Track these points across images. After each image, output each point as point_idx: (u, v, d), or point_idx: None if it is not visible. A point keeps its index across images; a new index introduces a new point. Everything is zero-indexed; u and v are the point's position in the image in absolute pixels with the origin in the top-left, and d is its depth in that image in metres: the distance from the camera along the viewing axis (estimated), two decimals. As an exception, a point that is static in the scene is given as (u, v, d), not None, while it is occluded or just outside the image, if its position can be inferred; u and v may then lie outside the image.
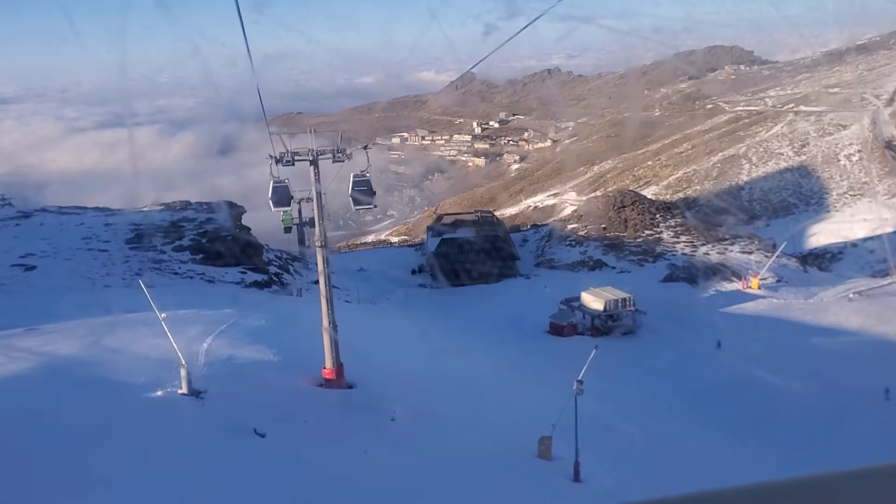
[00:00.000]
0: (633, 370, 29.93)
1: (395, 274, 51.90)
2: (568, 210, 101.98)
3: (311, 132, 18.50)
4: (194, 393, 16.38)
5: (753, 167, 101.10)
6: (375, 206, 20.09)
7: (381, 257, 60.94)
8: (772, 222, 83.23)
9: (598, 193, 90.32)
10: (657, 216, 55.65)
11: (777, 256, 49.09)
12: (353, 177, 18.88)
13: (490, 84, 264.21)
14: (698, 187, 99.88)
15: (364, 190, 18.69)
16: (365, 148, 19.30)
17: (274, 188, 18.50)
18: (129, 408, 15.62)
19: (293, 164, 18.84)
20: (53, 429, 13.63)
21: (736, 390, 26.47)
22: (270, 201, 18.46)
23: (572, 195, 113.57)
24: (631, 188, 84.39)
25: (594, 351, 18.66)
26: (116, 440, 13.61)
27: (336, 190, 22.16)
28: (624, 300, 37.10)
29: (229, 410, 16.31)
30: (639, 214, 55.16)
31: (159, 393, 16.37)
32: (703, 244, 51.24)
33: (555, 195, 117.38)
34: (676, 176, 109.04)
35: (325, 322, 18.52)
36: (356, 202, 18.82)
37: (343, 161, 19.31)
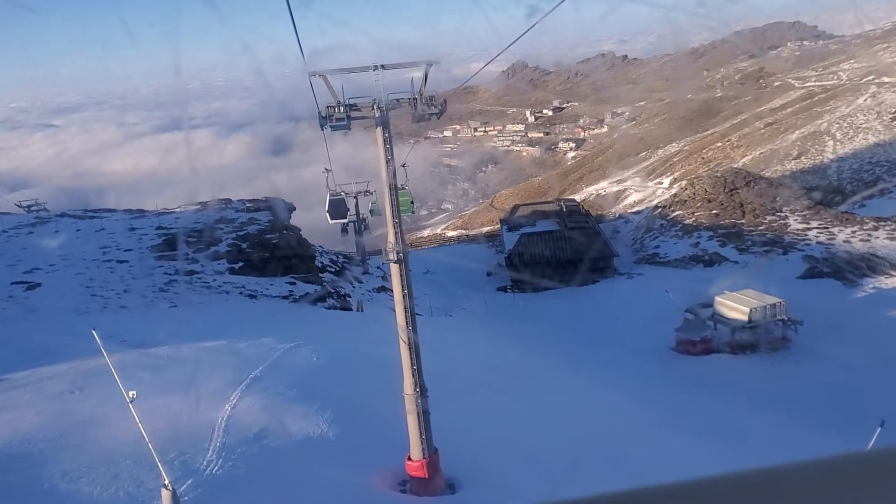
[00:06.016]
0: (822, 409, 21.58)
1: (467, 276, 44.27)
2: (633, 196, 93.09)
3: (375, 69, 11.01)
4: (189, 532, 9.22)
5: (838, 144, 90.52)
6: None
7: (448, 256, 53.35)
8: (866, 202, 73.42)
9: (678, 173, 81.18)
10: (778, 198, 46.41)
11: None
12: None
13: (542, 72, 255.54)
14: (778, 168, 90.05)
15: None
16: None
17: (331, 201, 17.74)
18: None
19: (349, 127, 11.46)
20: None
21: None
22: (327, 214, 17.53)
23: (637, 180, 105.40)
24: (701, 171, 75.24)
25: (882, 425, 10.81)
26: None
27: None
28: (773, 306, 28.66)
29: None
30: (757, 196, 46.00)
31: (129, 533, 9.29)
32: (840, 230, 41.91)
33: (618, 181, 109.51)
34: (751, 156, 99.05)
35: (410, 388, 11.07)
36: None
37: (428, 119, 11.89)
